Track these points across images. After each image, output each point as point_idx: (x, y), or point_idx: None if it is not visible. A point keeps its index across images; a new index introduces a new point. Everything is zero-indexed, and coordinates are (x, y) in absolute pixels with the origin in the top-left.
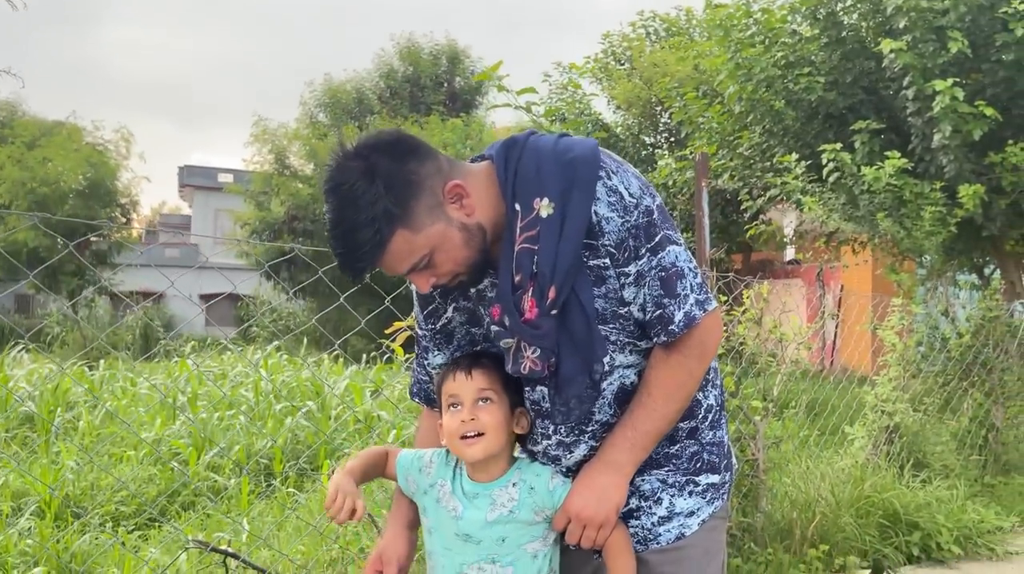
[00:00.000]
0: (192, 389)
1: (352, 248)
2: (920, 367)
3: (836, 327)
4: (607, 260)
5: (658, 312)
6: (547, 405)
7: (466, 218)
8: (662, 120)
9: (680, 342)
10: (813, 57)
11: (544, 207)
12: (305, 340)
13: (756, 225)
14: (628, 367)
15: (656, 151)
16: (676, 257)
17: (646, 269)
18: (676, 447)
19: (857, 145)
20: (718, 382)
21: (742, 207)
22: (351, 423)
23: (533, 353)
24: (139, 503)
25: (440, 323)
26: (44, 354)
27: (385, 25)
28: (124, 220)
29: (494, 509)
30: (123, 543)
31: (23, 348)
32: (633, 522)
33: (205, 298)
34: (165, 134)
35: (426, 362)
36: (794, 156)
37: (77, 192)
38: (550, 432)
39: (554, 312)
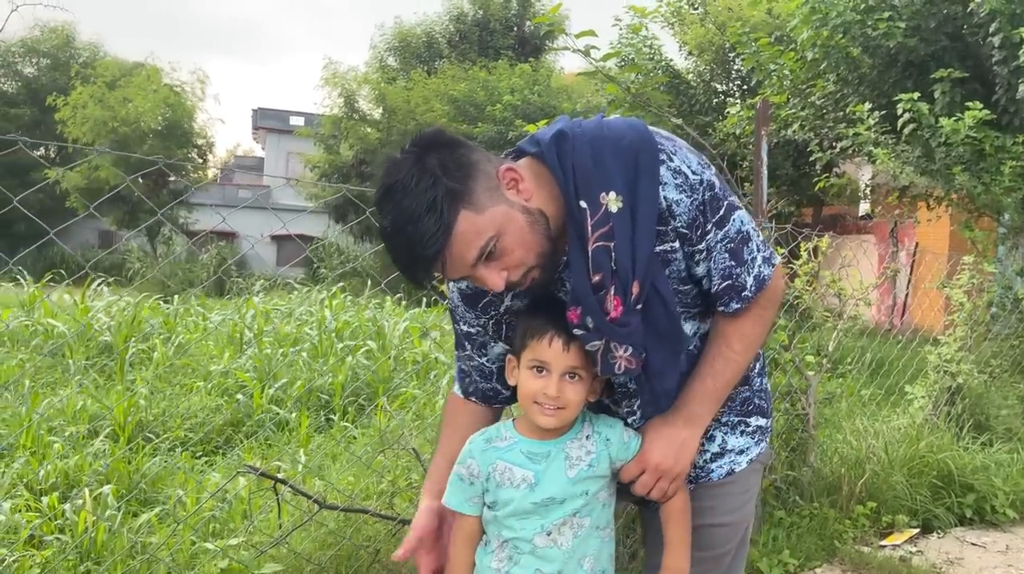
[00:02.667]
0: (258, 326)
1: (416, 240)
2: (990, 328)
3: (908, 285)
4: (676, 243)
5: (727, 283)
6: (633, 386)
7: (526, 202)
8: (734, 67)
9: (756, 298)
10: (895, 1)
11: (612, 201)
12: (369, 282)
13: (826, 178)
14: (692, 336)
15: (728, 99)
16: (742, 222)
17: (714, 243)
18: (732, 391)
19: (937, 95)
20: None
21: (811, 159)
22: (409, 363)
23: (626, 351)
24: (206, 431)
25: (501, 311)
26: (123, 288)
27: None
28: (201, 161)
29: (572, 465)
30: (190, 468)
31: (103, 282)
32: None
33: (276, 239)
34: (240, 74)
35: (484, 357)
36: (867, 106)
37: (156, 132)
38: (635, 408)
39: (639, 307)
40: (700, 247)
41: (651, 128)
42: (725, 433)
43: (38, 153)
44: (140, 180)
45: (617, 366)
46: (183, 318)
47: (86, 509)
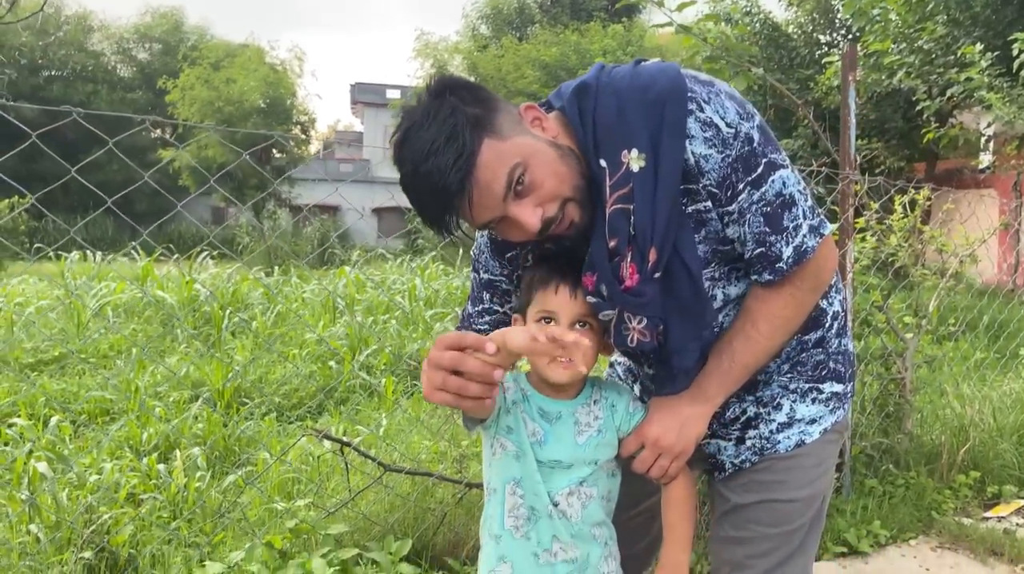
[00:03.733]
0: (349, 294)
1: (438, 172)
2: None
3: None
4: (708, 203)
5: (759, 250)
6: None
7: (553, 138)
8: (838, 16)
9: (793, 273)
10: None
11: (634, 159)
12: (461, 251)
13: (935, 128)
14: (742, 297)
15: (832, 51)
16: (784, 184)
17: (746, 205)
18: (804, 355)
19: None
20: (841, 287)
21: (919, 107)
22: None
23: (639, 323)
24: (300, 397)
25: (524, 266)
26: (225, 261)
27: None
28: (304, 137)
29: (581, 430)
30: (281, 432)
31: (207, 255)
32: (751, 432)
33: (377, 211)
34: (338, 50)
35: (508, 305)
36: (979, 47)
37: (258, 110)
38: (650, 372)
39: (657, 275)
40: (731, 209)
41: (688, 72)
42: (794, 401)
43: (155, 135)
44: (247, 157)
45: (630, 338)
46: (282, 288)
47: (179, 469)
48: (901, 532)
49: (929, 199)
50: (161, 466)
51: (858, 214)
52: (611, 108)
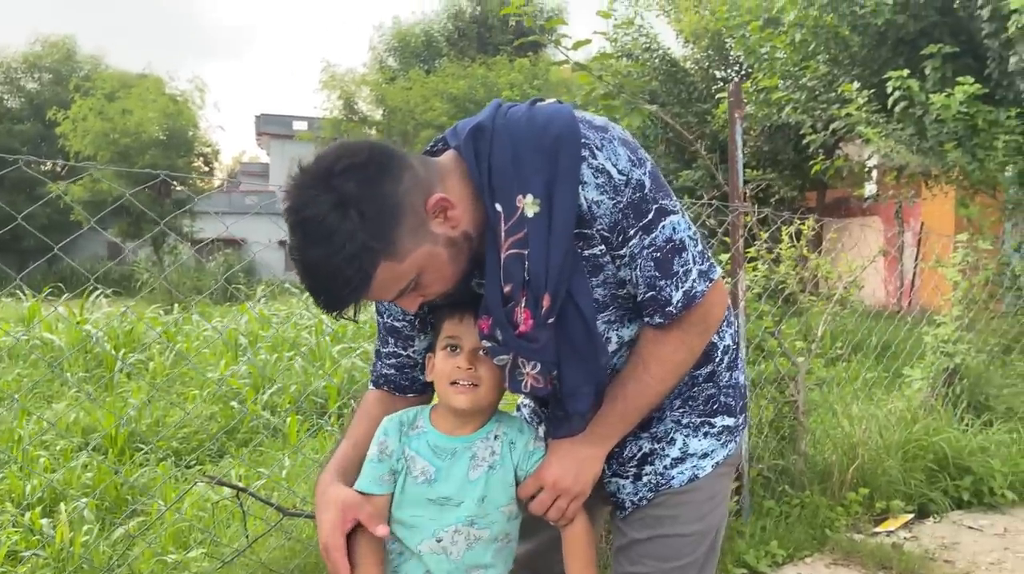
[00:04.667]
0: (252, 331)
1: (333, 290)
2: (988, 306)
3: (915, 266)
4: (602, 246)
5: (651, 294)
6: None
7: (452, 231)
8: (732, 53)
9: (682, 317)
10: None
11: (529, 205)
12: None
13: (821, 160)
14: (635, 339)
15: (727, 86)
16: (674, 229)
17: (638, 250)
18: (695, 390)
19: (928, 71)
20: (732, 320)
21: (805, 141)
22: None
23: (533, 368)
24: (200, 439)
25: (425, 309)
26: (122, 299)
27: None
28: (207, 169)
29: (476, 465)
30: (179, 478)
31: (101, 293)
32: (647, 468)
33: (283, 243)
34: (242, 81)
35: (411, 349)
36: (856, 85)
37: (157, 142)
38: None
39: (551, 321)
40: (622, 253)
41: (582, 116)
42: (687, 435)
43: (45, 168)
44: (145, 191)
45: (524, 384)
46: (181, 327)
47: (64, 523)
48: (797, 551)
49: (815, 229)
50: (44, 520)
51: (749, 244)
52: (506, 152)
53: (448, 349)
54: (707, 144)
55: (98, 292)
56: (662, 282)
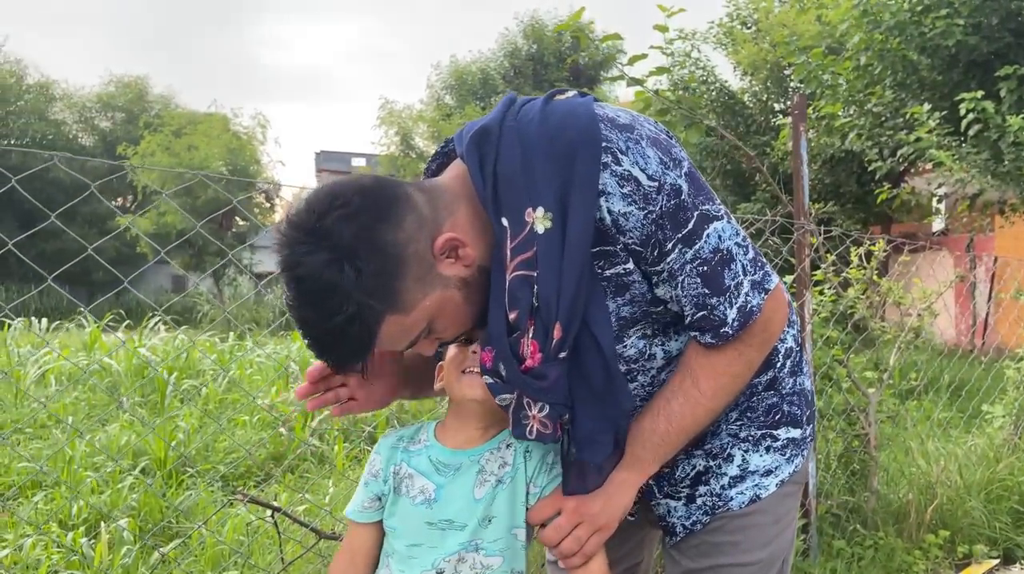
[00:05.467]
0: (304, 358)
1: (336, 349)
2: None
3: (989, 302)
4: (630, 264)
5: (701, 314)
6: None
7: (464, 270)
8: (790, 84)
9: (739, 335)
10: None
11: (539, 219)
12: None
13: (888, 189)
14: (670, 357)
15: (787, 117)
16: (720, 237)
17: (678, 265)
18: (754, 400)
19: (1003, 94)
20: (794, 319)
21: (870, 168)
22: None
23: (540, 411)
24: (248, 465)
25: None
26: (176, 328)
27: (512, 5)
28: (268, 205)
29: (483, 481)
30: (224, 502)
31: (159, 321)
32: (701, 488)
33: None
34: (303, 120)
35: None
36: (927, 107)
37: (220, 177)
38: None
39: (563, 355)
40: (659, 269)
41: (604, 113)
42: (746, 450)
43: (115, 203)
44: (209, 224)
45: (529, 429)
46: (235, 354)
47: (103, 543)
48: None
49: (886, 251)
50: (84, 541)
51: (815, 267)
52: (515, 158)
53: (462, 340)
54: (766, 178)
55: (156, 320)
56: (713, 300)
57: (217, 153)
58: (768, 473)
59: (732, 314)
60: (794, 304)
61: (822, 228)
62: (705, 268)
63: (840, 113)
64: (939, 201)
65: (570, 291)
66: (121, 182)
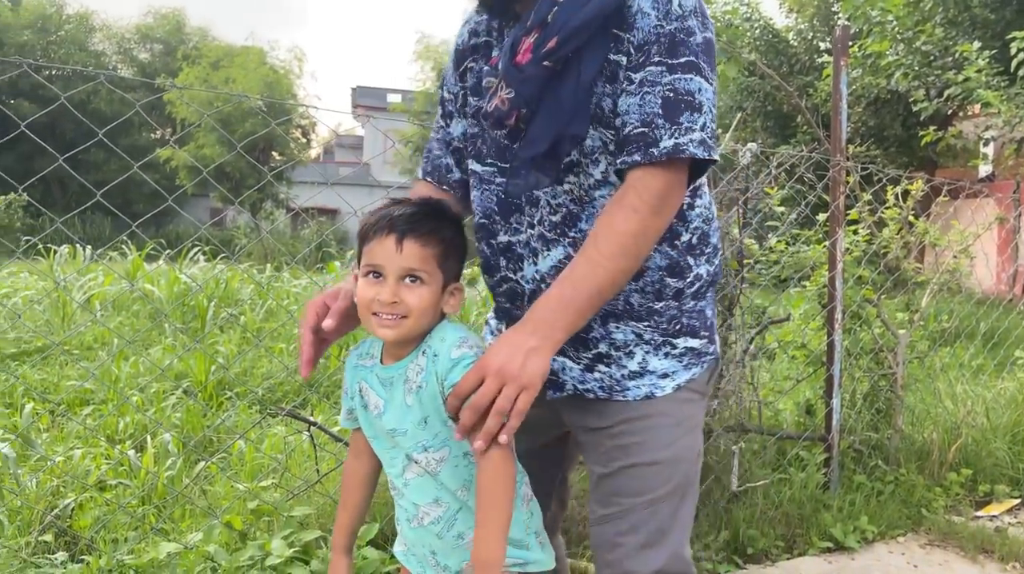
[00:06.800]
0: None
1: None
2: None
3: None
4: (624, 59)
5: (642, 130)
6: (509, 186)
7: None
8: (839, 22)
9: (641, 184)
10: None
11: None
12: None
13: (934, 131)
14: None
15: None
16: (700, 90)
17: (653, 79)
18: (660, 305)
19: None
20: (715, 260)
21: (916, 109)
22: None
23: (507, 93)
24: (284, 391)
25: (471, 83)
26: (220, 260)
27: None
28: (304, 140)
29: (409, 388)
30: (260, 422)
31: (198, 250)
32: (601, 368)
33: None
34: (339, 54)
35: (448, 128)
36: (976, 44)
37: (257, 110)
38: (533, 222)
39: (547, 64)
40: (635, 77)
41: None
42: (647, 352)
43: (154, 135)
44: (245, 158)
45: (491, 103)
46: (272, 285)
47: (149, 456)
48: (890, 529)
49: (924, 190)
50: (131, 453)
51: (849, 206)
52: None
53: (370, 275)
54: (806, 118)
55: (196, 250)
56: (660, 121)
57: (254, 87)
58: (665, 376)
59: (667, 142)
60: (718, 228)
61: (859, 167)
62: (671, 95)
63: (887, 52)
64: (985, 145)
65: (578, 22)
66: (160, 115)
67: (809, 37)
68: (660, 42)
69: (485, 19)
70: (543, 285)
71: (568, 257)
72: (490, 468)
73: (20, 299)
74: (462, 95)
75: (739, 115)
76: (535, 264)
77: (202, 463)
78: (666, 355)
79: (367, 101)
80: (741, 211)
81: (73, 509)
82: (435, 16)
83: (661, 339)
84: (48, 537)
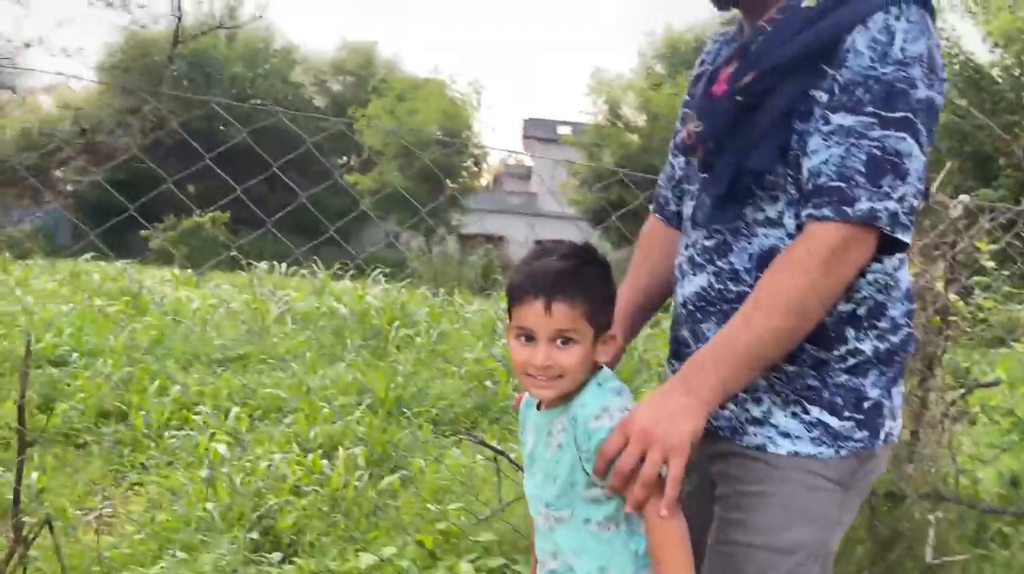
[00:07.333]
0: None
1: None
2: None
3: None
4: (825, 96)
5: (838, 184)
6: (695, 210)
7: None
8: None
9: (817, 237)
10: None
11: None
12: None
13: None
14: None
15: None
16: (910, 154)
17: (860, 130)
18: (791, 369)
19: None
20: (895, 336)
21: None
22: (654, 364)
23: (696, 127)
24: (456, 413)
25: (681, 114)
26: (395, 281)
27: None
28: (476, 169)
29: (550, 442)
30: (435, 443)
31: (379, 272)
32: (731, 406)
33: (539, 243)
34: (514, 87)
35: (673, 161)
36: None
37: (435, 141)
38: (690, 242)
39: (739, 99)
40: (840, 121)
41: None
42: (774, 403)
43: (342, 162)
44: (423, 185)
45: (680, 134)
46: (445, 309)
47: (340, 467)
48: None
49: None
50: (324, 462)
51: None
52: None
53: (521, 338)
54: (1018, 162)
55: (377, 271)
56: (861, 180)
57: (434, 117)
58: (786, 435)
59: (864, 205)
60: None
61: None
62: (878, 153)
63: None
64: None
65: (780, 58)
66: (349, 142)
67: (1017, 73)
68: (872, 88)
69: (716, 46)
70: (684, 310)
71: (710, 286)
72: (656, 528)
73: (224, 311)
74: (680, 136)
75: (948, 165)
76: (682, 287)
77: (387, 478)
78: (793, 415)
79: (537, 132)
80: (948, 266)
81: (274, 511)
82: (610, 50)
83: (793, 397)
84: (255, 534)
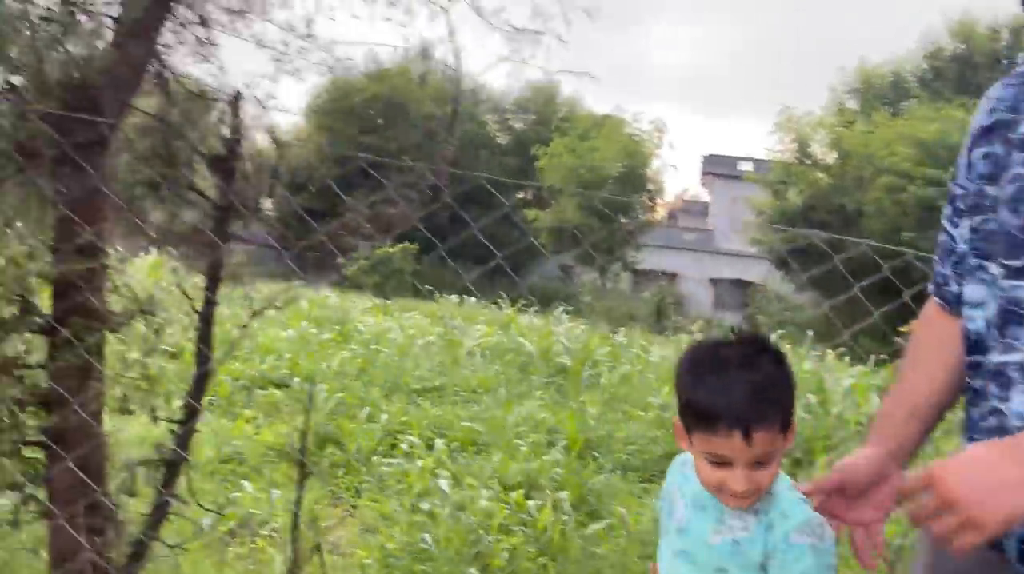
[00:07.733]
0: None
1: None
2: None
3: None
4: None
5: None
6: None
7: None
8: None
9: None
10: None
11: None
12: (811, 333)
13: None
14: None
15: None
16: None
17: None
18: None
19: None
20: None
21: None
22: (852, 423)
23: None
24: (645, 459)
25: (986, 170)
26: (571, 315)
27: (935, 2)
28: (651, 205)
29: (720, 530)
30: (630, 490)
31: (564, 310)
32: None
33: (714, 282)
34: (693, 123)
35: (951, 231)
36: None
37: (615, 178)
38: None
39: None
40: None
41: None
42: None
43: (520, 196)
44: (599, 221)
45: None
46: (626, 349)
47: (547, 510)
48: None
49: None
50: (531, 503)
51: None
52: None
53: (713, 465)
54: None
55: (561, 308)
56: None
57: (614, 155)
58: None
59: None
60: None
61: None
62: None
63: None
64: None
65: None
66: (530, 178)
67: None
68: None
69: (1009, 94)
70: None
71: None
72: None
73: (421, 342)
74: (975, 189)
75: None
76: (992, 402)
77: (593, 526)
78: None
79: (717, 169)
80: None
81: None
82: (790, 87)
83: None
84: (474, 570)
